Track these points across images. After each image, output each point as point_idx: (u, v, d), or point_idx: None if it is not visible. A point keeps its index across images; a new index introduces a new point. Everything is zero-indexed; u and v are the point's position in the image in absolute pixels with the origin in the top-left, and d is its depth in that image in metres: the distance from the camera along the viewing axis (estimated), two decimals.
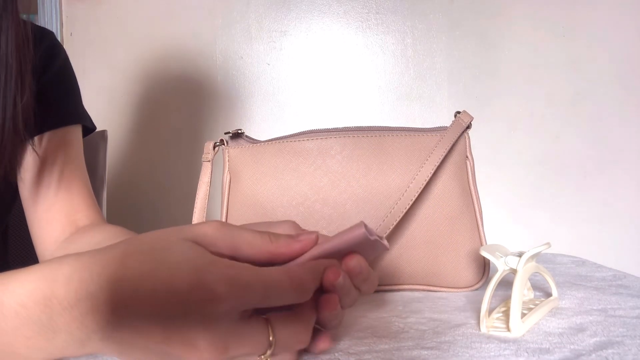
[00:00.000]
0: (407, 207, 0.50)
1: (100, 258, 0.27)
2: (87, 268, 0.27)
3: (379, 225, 0.50)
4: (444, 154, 0.52)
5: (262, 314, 0.28)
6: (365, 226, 0.31)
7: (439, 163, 0.51)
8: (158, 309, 0.25)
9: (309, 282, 0.29)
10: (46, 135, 0.62)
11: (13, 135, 0.51)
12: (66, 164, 0.63)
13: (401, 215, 0.50)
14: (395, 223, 0.50)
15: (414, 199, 0.50)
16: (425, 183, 0.51)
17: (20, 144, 0.53)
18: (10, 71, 0.50)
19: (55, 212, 0.61)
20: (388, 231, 0.49)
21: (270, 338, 0.27)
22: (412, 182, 0.50)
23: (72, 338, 0.26)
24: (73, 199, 0.62)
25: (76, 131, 0.66)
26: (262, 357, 0.28)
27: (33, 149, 0.58)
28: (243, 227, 0.31)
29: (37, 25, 0.66)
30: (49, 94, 0.63)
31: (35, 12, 1.45)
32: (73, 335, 0.26)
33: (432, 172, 0.51)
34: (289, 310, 0.29)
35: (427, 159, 0.51)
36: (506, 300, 0.45)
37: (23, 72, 0.51)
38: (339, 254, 0.32)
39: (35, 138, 0.60)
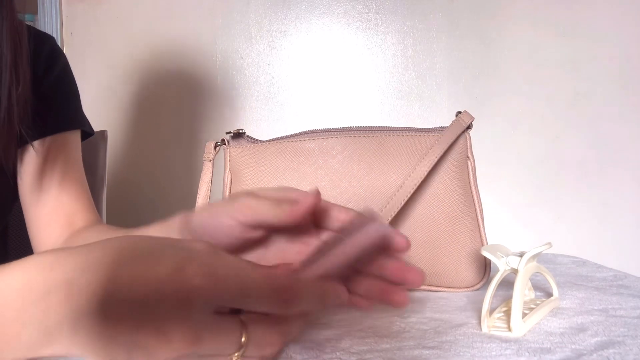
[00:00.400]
0: (400, 205, 0.50)
1: (84, 247, 0.28)
2: (69, 255, 0.27)
3: None
4: (440, 154, 0.52)
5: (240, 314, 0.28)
6: (377, 216, 0.30)
7: (434, 162, 0.51)
8: (134, 295, 0.25)
9: (294, 296, 0.27)
10: (46, 140, 0.63)
11: (8, 126, 0.51)
12: (65, 168, 0.64)
13: (393, 214, 0.50)
14: (387, 221, 0.50)
15: (407, 197, 0.50)
16: (419, 182, 0.50)
17: (16, 136, 0.53)
18: (6, 63, 0.50)
19: (55, 215, 0.62)
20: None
21: (243, 339, 0.27)
22: (406, 181, 0.50)
23: (41, 330, 0.25)
24: (72, 202, 0.63)
25: (75, 136, 0.67)
26: (234, 357, 0.27)
27: (31, 145, 0.58)
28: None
29: (38, 30, 0.67)
30: (50, 99, 0.64)
31: (35, 12, 1.44)
32: (42, 325, 0.25)
33: (427, 171, 0.51)
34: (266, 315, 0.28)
35: (422, 158, 0.51)
36: (507, 300, 0.45)
37: (17, 64, 0.52)
38: (359, 260, 0.30)
39: (36, 142, 0.61)
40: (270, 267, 0.30)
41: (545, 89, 1.37)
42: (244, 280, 0.27)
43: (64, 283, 0.26)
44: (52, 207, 0.62)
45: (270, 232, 0.36)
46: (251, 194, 0.35)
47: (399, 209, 0.50)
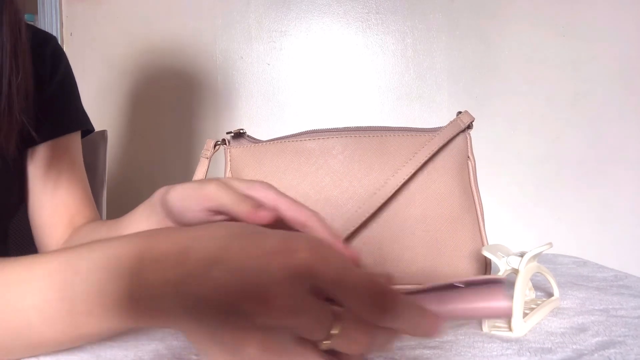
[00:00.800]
0: (380, 203, 0.50)
1: (195, 227, 0.30)
2: (177, 229, 0.30)
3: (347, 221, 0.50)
4: (431, 154, 0.52)
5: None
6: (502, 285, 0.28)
7: (422, 162, 0.51)
8: (240, 263, 0.26)
9: (390, 306, 0.25)
10: (52, 142, 0.63)
11: (8, 114, 0.52)
12: (69, 169, 0.65)
13: (372, 211, 0.49)
14: (363, 220, 0.50)
15: (388, 196, 0.50)
16: (402, 181, 0.50)
17: (17, 126, 0.54)
18: (6, 51, 0.50)
19: (58, 216, 0.63)
20: (360, 222, 0.50)
21: (333, 331, 0.25)
22: (389, 179, 0.50)
23: (148, 295, 0.27)
24: (75, 202, 0.64)
25: (76, 136, 0.68)
26: (322, 344, 0.26)
27: (33, 135, 0.58)
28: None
29: (41, 30, 0.67)
30: (55, 101, 0.65)
31: (35, 12, 1.44)
32: (142, 289, 0.27)
33: (414, 170, 0.51)
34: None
35: (411, 158, 0.51)
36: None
37: (17, 53, 0.52)
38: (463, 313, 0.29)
39: (41, 145, 0.62)
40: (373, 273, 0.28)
41: (545, 89, 1.36)
42: (346, 268, 0.26)
43: (178, 250, 0.28)
44: (56, 208, 0.63)
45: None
46: (221, 183, 0.36)
47: (377, 207, 0.50)
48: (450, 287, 0.29)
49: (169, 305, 0.26)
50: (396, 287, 0.28)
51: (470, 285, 0.29)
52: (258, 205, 0.34)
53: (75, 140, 0.67)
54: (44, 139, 0.61)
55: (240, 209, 0.34)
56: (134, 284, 0.28)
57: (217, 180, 0.37)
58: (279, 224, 0.35)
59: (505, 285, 0.29)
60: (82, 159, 0.68)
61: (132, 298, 0.28)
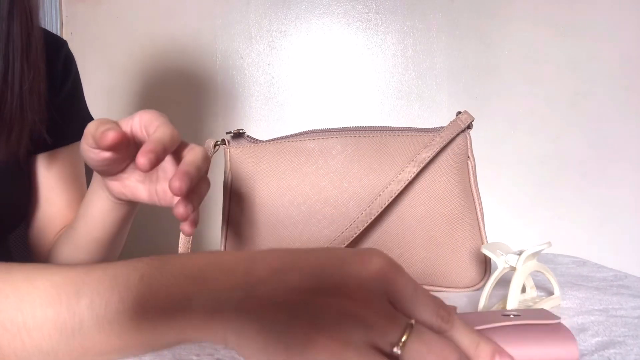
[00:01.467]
0: (385, 205, 0.50)
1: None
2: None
3: (357, 221, 0.50)
4: (432, 155, 0.52)
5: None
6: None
7: (425, 163, 0.51)
8: (310, 266, 0.26)
9: (449, 320, 0.26)
10: (57, 150, 0.64)
11: (19, 114, 0.52)
12: (71, 175, 0.66)
13: (376, 213, 0.49)
14: (369, 222, 0.49)
15: (392, 197, 0.50)
16: (406, 182, 0.50)
17: (28, 125, 0.54)
18: (18, 49, 0.51)
19: (55, 220, 0.64)
20: (365, 225, 0.50)
21: (404, 337, 0.24)
22: (393, 181, 0.50)
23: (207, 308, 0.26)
24: (69, 208, 0.65)
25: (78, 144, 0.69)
26: (394, 348, 0.24)
27: (45, 137, 0.59)
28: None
29: (52, 33, 0.67)
30: (66, 108, 0.65)
31: None
32: (205, 294, 0.26)
33: (418, 170, 0.51)
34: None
35: (413, 159, 0.51)
36: (505, 298, 0.45)
37: (29, 52, 0.52)
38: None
39: (47, 154, 0.63)
40: None
41: (545, 89, 1.36)
42: (416, 283, 0.27)
43: (244, 264, 0.28)
44: (53, 214, 0.64)
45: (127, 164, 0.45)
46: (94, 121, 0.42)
47: (381, 209, 0.50)
48: (513, 326, 0.30)
49: (232, 308, 0.25)
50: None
51: (529, 321, 0.30)
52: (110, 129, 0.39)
53: (77, 148, 0.68)
54: (55, 145, 0.62)
55: (96, 134, 0.39)
56: (195, 291, 0.27)
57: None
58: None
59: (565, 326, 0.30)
60: (83, 164, 0.69)
61: (189, 304, 0.26)
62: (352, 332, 0.23)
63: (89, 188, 0.52)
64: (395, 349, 0.24)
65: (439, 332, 0.26)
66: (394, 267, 0.26)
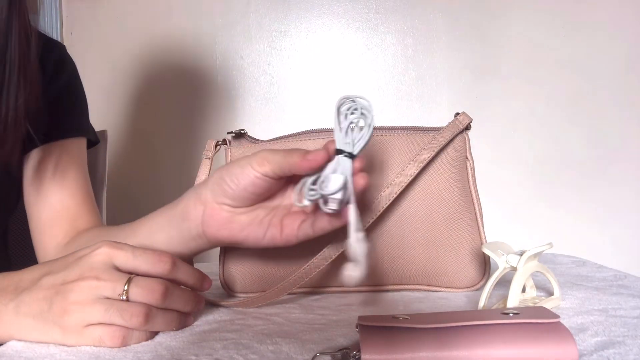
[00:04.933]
0: (387, 204, 0.49)
1: None
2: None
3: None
4: (430, 157, 0.51)
5: None
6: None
7: (425, 163, 0.51)
8: None
9: (166, 267, 0.41)
10: (51, 145, 0.64)
11: (14, 127, 0.52)
12: (69, 173, 0.65)
13: (376, 216, 0.49)
14: (371, 221, 0.49)
15: (394, 196, 0.50)
16: (408, 181, 0.50)
17: (22, 137, 0.54)
18: (14, 65, 0.50)
19: (59, 219, 0.63)
20: (366, 225, 0.49)
21: (126, 287, 0.38)
22: (392, 182, 0.50)
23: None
24: (76, 207, 0.64)
25: (80, 143, 0.69)
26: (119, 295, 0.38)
27: (37, 144, 0.59)
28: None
29: (48, 37, 0.67)
30: (55, 106, 0.65)
31: (36, 12, 1.44)
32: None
33: (417, 170, 0.51)
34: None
35: (413, 160, 0.51)
36: (505, 298, 0.45)
37: (26, 67, 0.52)
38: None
39: (41, 148, 0.62)
40: None
41: (545, 89, 1.36)
42: (137, 251, 0.41)
43: (15, 281, 0.41)
44: (56, 211, 0.63)
45: (286, 184, 0.46)
46: (266, 149, 0.43)
47: (383, 208, 0.49)
48: (511, 323, 0.31)
49: (10, 313, 0.39)
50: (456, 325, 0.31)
51: (527, 320, 0.30)
52: (305, 152, 0.41)
53: (77, 146, 0.68)
54: (40, 142, 0.61)
55: (292, 159, 0.41)
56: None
57: (260, 150, 0.43)
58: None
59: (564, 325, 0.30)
60: (86, 166, 0.69)
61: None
62: (91, 295, 0.38)
63: (160, 215, 0.51)
64: (122, 296, 0.38)
65: (163, 277, 0.40)
66: (114, 247, 0.40)
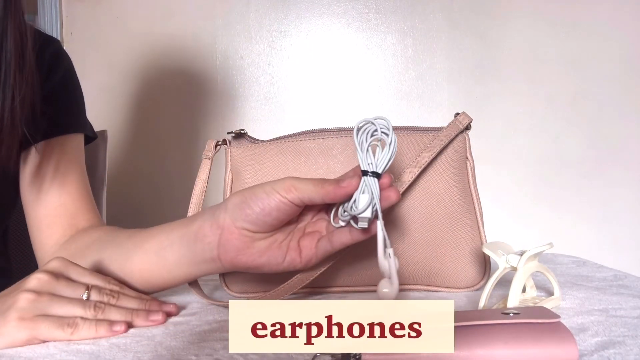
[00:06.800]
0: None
1: None
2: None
3: None
4: (433, 155, 0.51)
5: None
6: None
7: (426, 164, 0.51)
8: None
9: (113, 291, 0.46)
10: (47, 142, 0.63)
11: (11, 128, 0.51)
12: (67, 170, 0.64)
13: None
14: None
15: None
16: (409, 183, 0.50)
17: (18, 138, 0.54)
18: (9, 64, 0.50)
19: (57, 217, 0.62)
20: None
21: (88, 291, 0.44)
22: (395, 182, 0.50)
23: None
24: (74, 204, 0.63)
25: (77, 139, 0.68)
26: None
27: (35, 148, 0.59)
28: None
29: (43, 33, 0.67)
30: (51, 102, 0.64)
31: (35, 12, 1.44)
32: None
33: (418, 172, 0.51)
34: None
35: (414, 160, 0.51)
36: (505, 298, 0.45)
37: (22, 66, 0.52)
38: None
39: (38, 145, 0.61)
40: None
41: (545, 89, 1.37)
42: (85, 272, 0.47)
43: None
44: (54, 209, 0.62)
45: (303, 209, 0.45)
46: (291, 177, 0.43)
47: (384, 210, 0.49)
48: (511, 323, 0.31)
49: None
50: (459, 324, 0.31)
51: (528, 319, 0.31)
52: (338, 180, 0.41)
53: (74, 142, 0.67)
54: (37, 139, 0.61)
55: (325, 189, 0.41)
56: None
57: (285, 177, 0.44)
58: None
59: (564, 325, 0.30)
60: (83, 163, 0.68)
61: None
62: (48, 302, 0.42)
63: (173, 230, 0.49)
64: (84, 296, 0.43)
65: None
66: (63, 262, 0.45)
